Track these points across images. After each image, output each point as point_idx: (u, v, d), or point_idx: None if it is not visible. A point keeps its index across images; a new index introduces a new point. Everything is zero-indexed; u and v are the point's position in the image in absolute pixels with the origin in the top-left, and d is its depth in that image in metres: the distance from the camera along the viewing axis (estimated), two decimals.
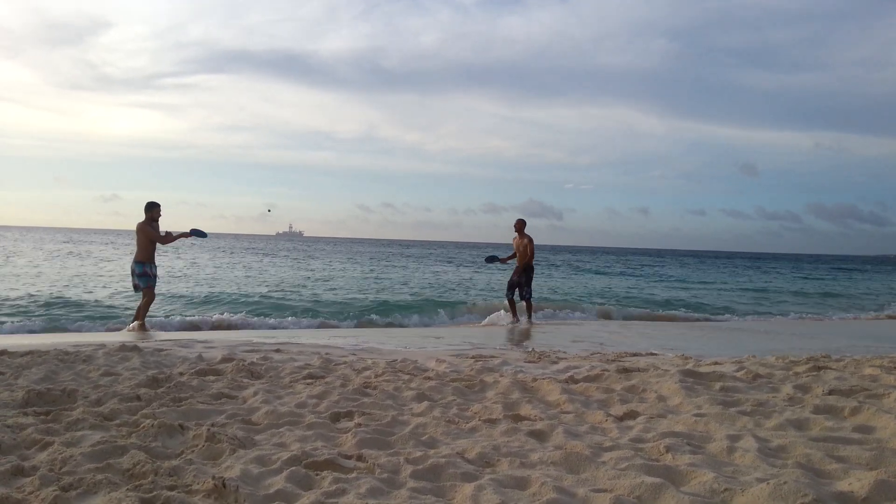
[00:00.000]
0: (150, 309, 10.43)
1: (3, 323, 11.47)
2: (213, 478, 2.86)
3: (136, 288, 10.16)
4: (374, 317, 14.10)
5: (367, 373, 5.67)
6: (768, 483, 2.81)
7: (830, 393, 4.80)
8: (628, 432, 3.92)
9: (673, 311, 17.04)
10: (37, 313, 12.98)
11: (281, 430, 3.82)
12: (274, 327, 12.10)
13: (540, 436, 3.83)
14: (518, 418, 4.22)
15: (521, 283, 12.24)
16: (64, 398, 4.42)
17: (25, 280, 20.03)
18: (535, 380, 5.30)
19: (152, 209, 10.07)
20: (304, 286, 20.52)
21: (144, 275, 9.98)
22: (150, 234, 9.90)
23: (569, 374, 5.75)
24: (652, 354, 7.60)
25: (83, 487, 2.84)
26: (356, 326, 12.81)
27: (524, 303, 12.38)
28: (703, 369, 5.92)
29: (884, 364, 6.14)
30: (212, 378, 5.28)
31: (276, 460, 3.24)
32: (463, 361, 6.68)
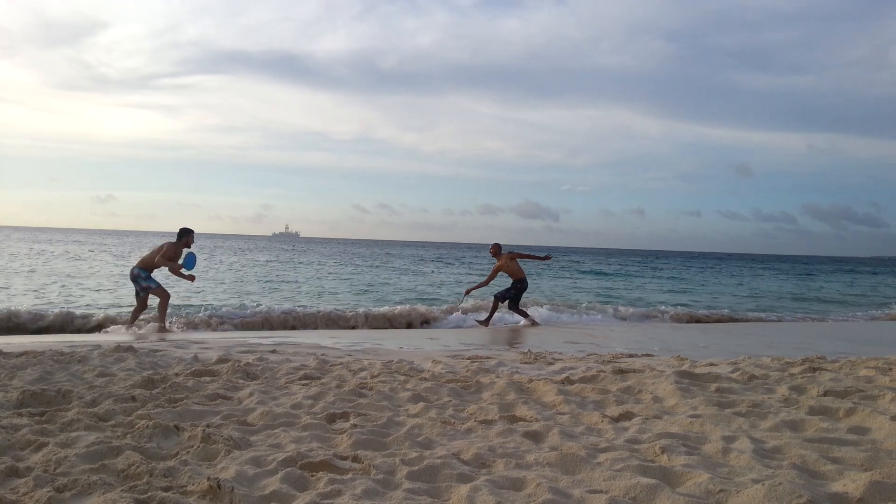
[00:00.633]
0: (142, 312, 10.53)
1: None
2: (209, 479, 2.85)
3: (144, 291, 10.21)
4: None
5: (363, 374, 5.66)
6: (763, 484, 2.82)
7: (825, 394, 4.81)
8: (624, 433, 3.93)
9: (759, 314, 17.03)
10: None
11: (276, 430, 3.82)
12: (270, 328, 12.08)
13: (536, 437, 3.84)
14: (514, 419, 4.22)
15: (509, 288, 12.35)
16: (59, 399, 4.40)
17: None
18: (530, 381, 5.31)
19: (189, 235, 10.27)
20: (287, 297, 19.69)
21: (150, 277, 10.15)
22: (175, 257, 10.12)
23: (565, 375, 5.75)
24: (647, 355, 7.61)
25: (78, 488, 2.83)
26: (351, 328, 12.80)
27: (493, 302, 12.50)
28: (698, 370, 5.93)
29: (879, 365, 6.15)
30: (207, 379, 5.27)
31: (271, 461, 3.23)
32: (459, 362, 6.69)
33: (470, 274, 32.67)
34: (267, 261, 40.74)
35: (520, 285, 12.34)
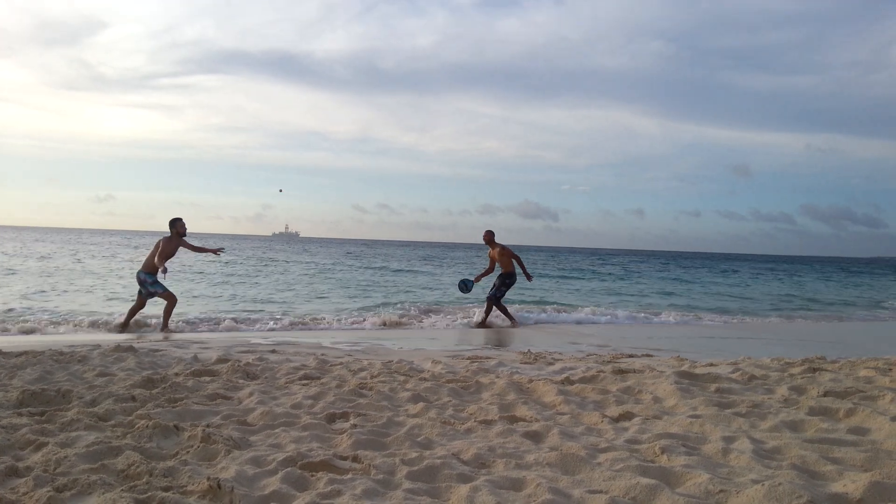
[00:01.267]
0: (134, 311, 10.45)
1: None
2: (209, 478, 2.85)
3: (150, 295, 10.23)
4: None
5: (363, 374, 5.66)
6: (763, 484, 2.82)
7: (825, 394, 4.81)
8: (624, 433, 3.93)
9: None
10: None
11: (276, 430, 3.82)
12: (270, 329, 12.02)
13: (535, 437, 3.84)
14: (514, 419, 4.22)
15: (497, 284, 12.21)
16: (59, 399, 4.40)
17: None
18: (530, 381, 5.31)
19: (177, 223, 10.28)
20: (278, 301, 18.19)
21: (156, 282, 10.15)
22: (169, 250, 10.13)
23: (564, 375, 5.75)
24: (647, 356, 7.61)
25: (78, 488, 2.83)
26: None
27: (485, 304, 12.35)
28: (698, 371, 5.93)
29: (878, 366, 6.15)
30: (207, 379, 5.27)
31: (271, 461, 3.23)
32: (459, 362, 6.69)
33: (461, 273, 32.39)
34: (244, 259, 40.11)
35: (508, 280, 12.21)
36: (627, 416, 4.35)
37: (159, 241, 10.27)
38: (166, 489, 2.84)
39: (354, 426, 3.91)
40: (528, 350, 7.86)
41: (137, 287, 10.37)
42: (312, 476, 3.06)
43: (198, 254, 10.79)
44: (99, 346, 6.93)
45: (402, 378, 5.46)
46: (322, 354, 6.97)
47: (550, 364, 6.71)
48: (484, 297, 12.81)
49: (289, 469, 3.10)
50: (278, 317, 12.66)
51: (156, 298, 10.36)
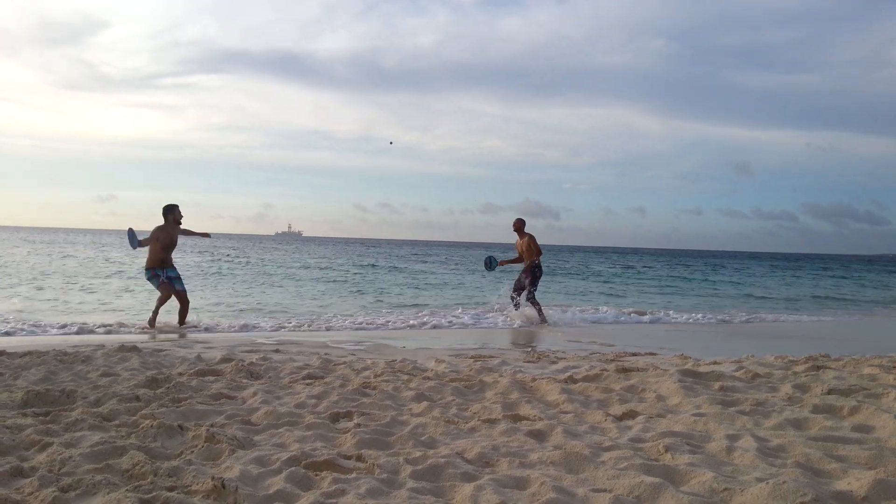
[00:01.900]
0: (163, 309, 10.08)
1: None
2: (213, 478, 2.86)
3: (169, 278, 9.97)
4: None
5: (367, 373, 5.67)
6: (767, 483, 2.81)
7: (829, 392, 4.81)
8: (627, 432, 3.92)
9: None
10: None
11: (280, 430, 3.82)
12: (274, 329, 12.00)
13: (539, 436, 3.84)
14: (517, 418, 4.22)
15: (526, 283, 11.95)
16: (63, 399, 4.41)
17: None
18: (534, 380, 5.31)
19: (174, 210, 10.01)
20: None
21: (154, 277, 9.93)
22: (167, 241, 9.90)
23: (568, 373, 5.75)
24: (651, 354, 7.60)
25: (82, 488, 2.84)
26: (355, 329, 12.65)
27: (532, 305, 12.01)
28: (702, 369, 5.92)
29: (883, 363, 6.14)
30: (211, 378, 5.28)
31: (275, 461, 3.24)
32: (462, 361, 6.69)
33: (446, 273, 32.02)
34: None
35: (537, 272, 11.96)
36: (631, 414, 4.34)
37: (153, 232, 9.93)
38: (171, 489, 2.85)
39: (358, 425, 3.92)
40: (532, 349, 7.86)
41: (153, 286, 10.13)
42: (316, 475, 3.06)
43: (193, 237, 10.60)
44: (103, 346, 6.94)
45: (405, 377, 5.46)
46: (325, 354, 6.98)
47: (554, 363, 6.71)
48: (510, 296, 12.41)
49: (293, 468, 3.11)
50: (284, 318, 12.54)
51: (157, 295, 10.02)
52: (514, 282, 12.37)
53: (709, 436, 3.78)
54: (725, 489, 2.85)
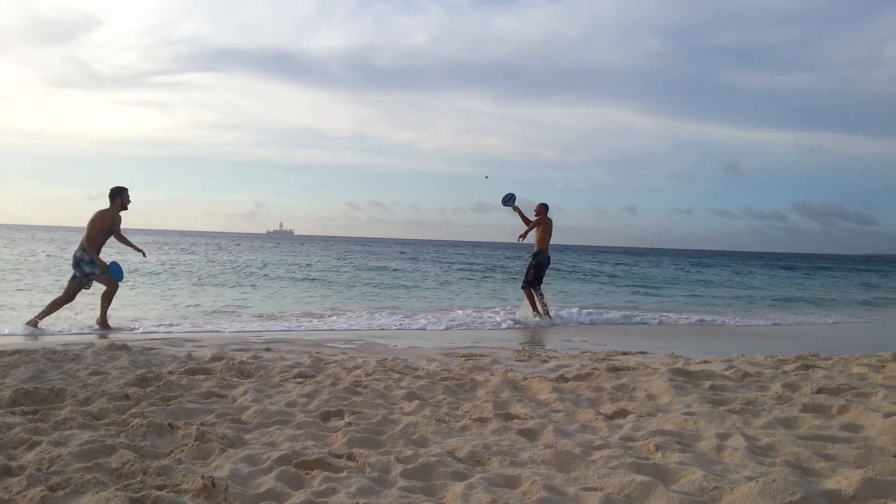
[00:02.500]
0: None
1: None
2: (203, 477, 2.85)
3: (86, 277, 9.06)
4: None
5: (358, 371, 5.66)
6: (757, 481, 2.83)
7: (818, 391, 4.83)
8: (618, 431, 3.93)
9: None
10: None
11: (271, 429, 3.81)
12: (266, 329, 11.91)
13: (530, 434, 3.84)
14: (508, 417, 4.23)
15: (531, 272, 11.61)
16: (52, 397, 4.39)
17: None
18: (525, 378, 5.31)
19: (123, 193, 9.14)
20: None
21: (93, 262, 9.04)
22: (118, 224, 9.05)
23: (559, 372, 5.76)
24: (641, 353, 7.62)
25: (71, 487, 2.82)
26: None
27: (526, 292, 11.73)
28: (692, 368, 5.94)
29: (871, 362, 6.19)
30: (201, 377, 5.26)
31: (265, 459, 3.23)
32: (453, 360, 6.69)
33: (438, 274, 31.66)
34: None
35: (543, 260, 11.57)
36: (622, 413, 4.36)
37: (96, 214, 9.08)
38: (160, 488, 2.83)
39: (349, 424, 3.91)
40: (523, 348, 7.87)
41: (72, 272, 9.10)
42: (307, 474, 3.06)
43: (124, 246, 9.32)
44: (92, 344, 6.91)
45: (396, 376, 5.45)
46: (316, 352, 6.96)
47: (545, 362, 6.72)
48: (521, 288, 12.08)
49: (283, 467, 3.10)
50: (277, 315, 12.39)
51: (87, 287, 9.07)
52: (524, 277, 11.85)
53: (699, 434, 3.80)
54: (715, 488, 2.86)
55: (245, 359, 6.17)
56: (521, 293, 12.15)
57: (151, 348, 6.94)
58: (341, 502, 2.73)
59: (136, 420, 3.74)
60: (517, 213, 12.01)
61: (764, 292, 24.94)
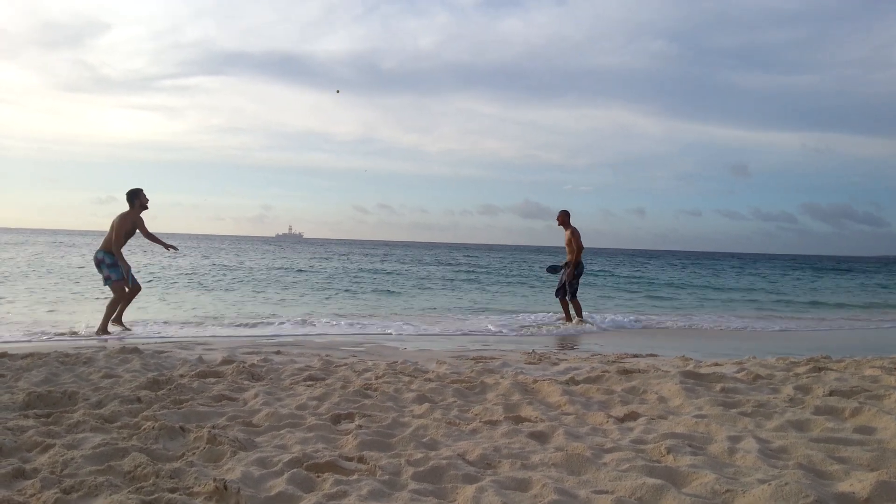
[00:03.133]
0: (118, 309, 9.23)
1: None
2: (215, 480, 2.86)
3: (106, 280, 9.14)
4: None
5: (368, 374, 5.67)
6: (769, 484, 2.81)
7: (831, 394, 4.80)
8: (629, 433, 3.92)
9: None
10: None
11: (282, 431, 3.82)
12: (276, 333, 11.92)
13: (541, 437, 3.83)
14: (519, 420, 4.22)
15: (564, 279, 11.61)
16: (65, 400, 4.41)
17: None
18: (535, 381, 5.30)
19: (140, 195, 9.26)
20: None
21: (115, 265, 9.08)
22: (141, 223, 9.24)
23: (569, 375, 5.74)
24: (652, 356, 7.60)
25: (84, 490, 2.84)
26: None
27: (562, 301, 11.77)
28: (703, 370, 5.92)
29: (884, 365, 6.14)
30: (212, 380, 5.28)
31: (277, 462, 3.24)
32: (463, 363, 6.69)
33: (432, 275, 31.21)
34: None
35: (577, 270, 11.53)
36: (633, 416, 4.34)
37: (117, 218, 9.14)
38: (173, 490, 2.85)
39: (360, 427, 3.92)
40: (533, 350, 7.86)
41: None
42: (318, 477, 3.06)
43: (153, 243, 9.55)
44: (104, 347, 6.95)
45: (406, 379, 5.46)
46: (327, 355, 6.98)
47: (555, 364, 6.70)
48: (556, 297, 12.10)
49: (295, 470, 3.10)
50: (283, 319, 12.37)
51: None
52: (558, 288, 11.91)
53: (710, 437, 3.78)
54: (727, 491, 2.85)
55: (255, 362, 6.19)
56: (568, 305, 11.96)
57: (162, 351, 6.97)
58: None
59: (148, 423, 3.76)
60: (569, 267, 11.79)
61: (837, 297, 23.99)
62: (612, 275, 35.32)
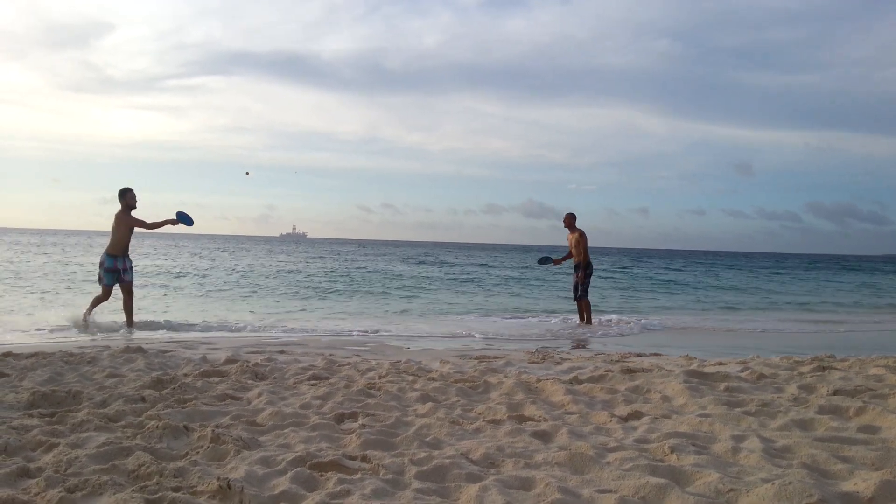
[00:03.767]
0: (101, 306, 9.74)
1: None
2: (218, 479, 2.86)
3: (99, 280, 9.71)
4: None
5: (371, 374, 5.67)
6: (773, 483, 2.81)
7: (835, 393, 4.79)
8: (633, 433, 3.92)
9: None
10: None
11: (285, 431, 3.83)
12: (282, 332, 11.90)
13: (544, 436, 3.83)
14: (522, 419, 4.22)
15: (577, 282, 11.73)
16: (69, 400, 4.43)
17: None
18: (539, 380, 5.30)
19: (126, 195, 9.51)
20: None
21: (114, 270, 9.50)
22: (132, 221, 9.50)
23: (573, 374, 5.74)
24: (656, 355, 7.59)
25: (88, 489, 2.85)
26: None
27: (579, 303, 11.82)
28: (707, 369, 5.91)
29: (889, 364, 6.12)
30: (216, 379, 5.29)
31: (280, 461, 3.24)
32: (467, 362, 6.69)
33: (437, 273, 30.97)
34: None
35: (588, 271, 11.69)
36: (636, 415, 4.34)
37: (115, 219, 9.54)
38: (176, 489, 2.85)
39: (363, 426, 3.92)
40: (536, 350, 7.86)
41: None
42: (322, 476, 3.07)
43: (155, 230, 9.74)
44: (108, 347, 6.96)
45: (410, 378, 5.46)
46: (330, 355, 6.98)
47: (558, 363, 6.70)
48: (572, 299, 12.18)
49: (298, 469, 3.11)
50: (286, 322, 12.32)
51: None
52: (572, 290, 12.05)
53: (714, 436, 3.78)
54: (731, 490, 2.85)
55: (259, 361, 6.20)
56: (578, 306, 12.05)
57: (166, 351, 6.99)
58: None
59: (152, 422, 3.77)
60: (561, 262, 12.19)
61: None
62: (686, 283, 31.57)
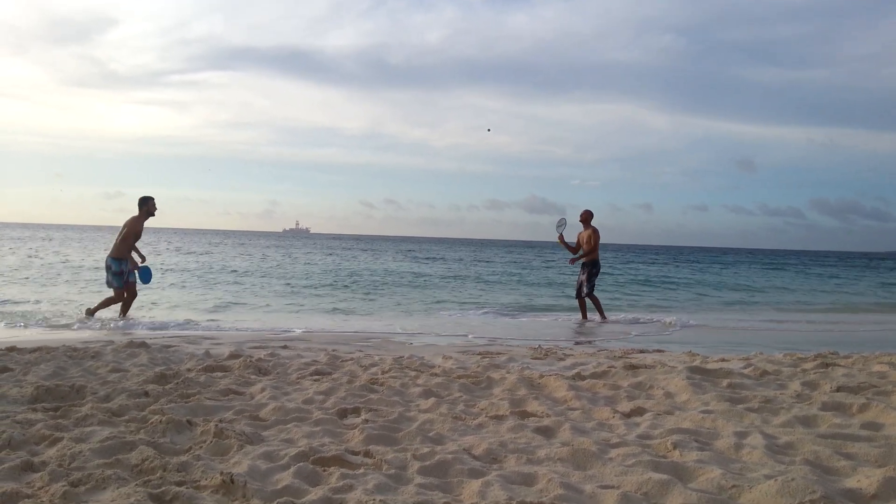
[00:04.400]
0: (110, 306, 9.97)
1: None
2: (222, 473, 2.87)
3: (108, 284, 9.94)
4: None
5: (374, 369, 5.68)
6: (776, 480, 2.81)
7: (838, 390, 4.79)
8: (635, 429, 3.92)
9: None
10: None
11: (288, 426, 3.83)
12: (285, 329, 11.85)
13: (547, 432, 3.84)
14: (525, 415, 4.22)
15: (582, 279, 11.77)
16: (73, 394, 4.44)
17: None
18: (541, 376, 5.31)
19: (148, 202, 9.86)
20: None
21: (120, 273, 9.72)
22: (140, 229, 9.80)
23: (575, 370, 5.74)
24: (659, 351, 7.58)
25: (92, 483, 2.86)
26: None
27: (589, 301, 11.81)
28: (710, 366, 5.90)
29: (892, 361, 6.11)
30: (219, 374, 5.30)
31: (283, 456, 3.25)
32: (469, 358, 6.69)
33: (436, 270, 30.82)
34: None
35: (595, 269, 11.74)
36: (639, 411, 4.34)
37: (128, 222, 9.80)
38: (180, 484, 2.86)
39: (366, 421, 3.93)
40: (539, 345, 7.86)
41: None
42: (324, 471, 3.07)
43: (130, 248, 9.91)
44: (112, 342, 6.98)
45: (413, 373, 5.47)
46: (333, 350, 6.99)
47: (561, 359, 6.70)
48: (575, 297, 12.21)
49: (301, 464, 3.12)
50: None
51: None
52: (576, 287, 12.06)
53: (717, 433, 3.77)
54: (734, 486, 2.85)
55: (262, 356, 6.21)
56: (589, 302, 12.02)
57: (170, 346, 7.00)
58: (358, 499, 2.74)
59: (156, 417, 3.78)
60: (563, 244, 12.06)
61: None
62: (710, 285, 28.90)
